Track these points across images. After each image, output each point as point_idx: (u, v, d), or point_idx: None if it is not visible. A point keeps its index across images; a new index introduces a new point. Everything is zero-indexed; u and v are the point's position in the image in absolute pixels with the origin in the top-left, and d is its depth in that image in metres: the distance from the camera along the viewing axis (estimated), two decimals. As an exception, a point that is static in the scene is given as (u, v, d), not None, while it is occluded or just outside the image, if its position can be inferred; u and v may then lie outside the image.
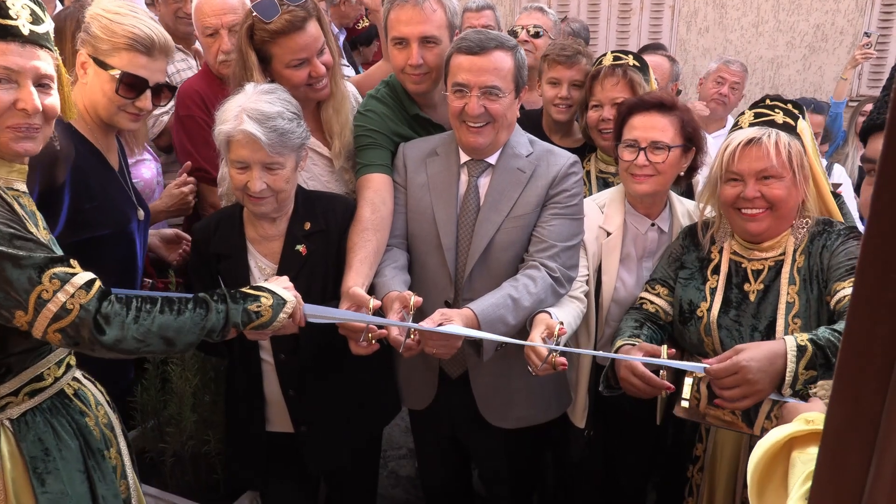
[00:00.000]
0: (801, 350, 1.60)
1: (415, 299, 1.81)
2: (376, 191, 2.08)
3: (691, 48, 6.25)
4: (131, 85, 1.90)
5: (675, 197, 2.26)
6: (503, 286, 1.93)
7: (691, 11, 6.21)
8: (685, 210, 2.23)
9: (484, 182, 2.05)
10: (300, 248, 1.97)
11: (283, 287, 1.72)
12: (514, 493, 2.39)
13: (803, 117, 1.92)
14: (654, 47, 4.25)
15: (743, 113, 1.97)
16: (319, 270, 1.99)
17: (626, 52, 2.59)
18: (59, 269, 1.39)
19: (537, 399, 2.17)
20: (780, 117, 1.87)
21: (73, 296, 1.38)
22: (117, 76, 1.87)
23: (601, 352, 1.98)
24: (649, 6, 6.27)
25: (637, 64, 2.52)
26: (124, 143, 2.45)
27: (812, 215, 1.90)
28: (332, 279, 2.00)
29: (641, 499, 2.51)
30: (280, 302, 1.67)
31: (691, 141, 2.12)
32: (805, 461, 0.99)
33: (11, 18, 1.40)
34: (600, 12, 6.20)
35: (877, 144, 1.37)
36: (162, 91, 2.00)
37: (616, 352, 1.92)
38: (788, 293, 1.83)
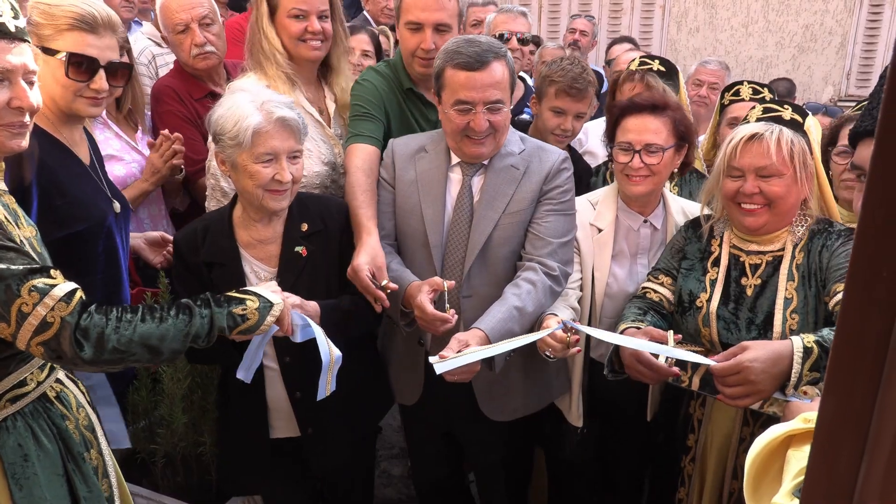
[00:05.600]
0: (807, 352, 1.61)
1: (448, 283, 1.85)
2: (364, 159, 2.16)
3: (682, 48, 6.28)
4: (80, 64, 1.85)
5: (668, 194, 2.27)
6: (507, 297, 1.93)
7: (681, 12, 6.25)
8: (679, 207, 2.25)
9: (478, 180, 2.06)
10: (300, 249, 1.95)
11: (271, 291, 1.70)
12: (509, 487, 2.40)
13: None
14: (623, 40, 4.32)
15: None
16: (322, 271, 1.98)
17: (653, 57, 2.58)
18: (38, 281, 1.36)
19: (533, 388, 2.19)
20: (787, 114, 1.87)
21: (52, 308, 1.36)
22: (64, 58, 1.83)
23: (614, 336, 1.91)
24: (640, 6, 6.31)
25: (662, 69, 2.50)
26: (136, 120, 2.45)
27: (813, 214, 1.90)
28: (335, 279, 1.99)
29: (637, 493, 2.52)
30: (267, 305, 1.65)
31: (684, 139, 2.14)
32: (800, 458, 1.00)
33: None
34: (591, 12, 6.22)
35: (864, 151, 1.37)
36: (117, 71, 1.95)
37: (621, 334, 1.92)
38: (787, 289, 1.85)
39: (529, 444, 2.52)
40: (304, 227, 1.97)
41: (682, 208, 2.24)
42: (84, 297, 1.42)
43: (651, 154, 2.07)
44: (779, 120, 1.85)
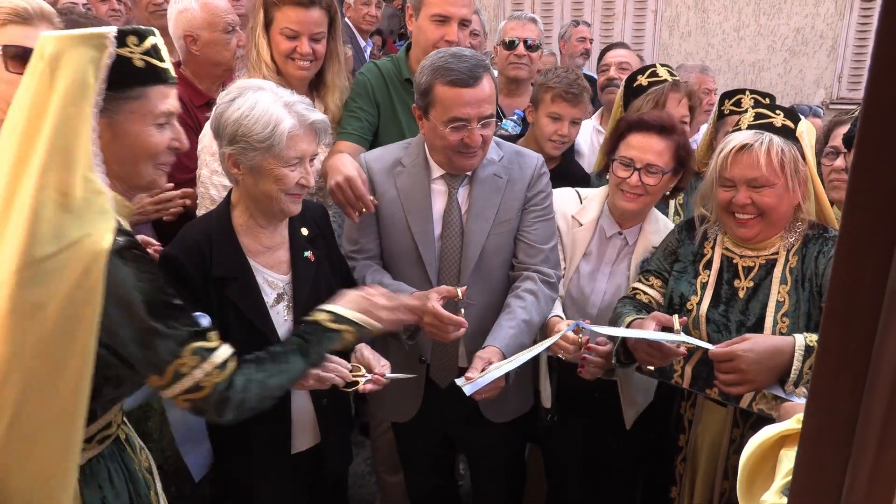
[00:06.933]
0: (808, 350, 1.64)
1: (461, 289, 1.87)
2: (347, 150, 2.27)
3: (674, 52, 6.30)
4: (18, 57, 1.80)
5: (654, 213, 2.24)
6: (514, 310, 1.94)
7: (673, 16, 6.27)
8: (658, 227, 2.22)
9: (463, 191, 2.04)
10: (308, 254, 1.91)
11: (366, 317, 1.72)
12: (508, 489, 2.41)
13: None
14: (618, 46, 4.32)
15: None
16: (328, 277, 1.95)
17: (664, 64, 2.65)
18: (199, 345, 1.40)
19: (524, 387, 2.22)
20: (779, 120, 1.84)
21: (208, 374, 1.41)
22: (0, 52, 1.79)
23: (623, 331, 1.89)
24: (632, 11, 6.33)
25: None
26: None
27: (807, 218, 1.89)
28: (339, 286, 1.96)
29: (631, 492, 2.52)
30: (364, 331, 1.71)
31: (682, 164, 2.12)
32: (791, 458, 1.01)
33: (164, 61, 1.43)
34: (583, 16, 6.24)
35: None
36: None
37: (628, 326, 1.92)
38: (779, 292, 1.85)
39: (523, 444, 2.53)
40: (305, 231, 1.93)
41: (660, 229, 2.21)
42: (234, 365, 1.47)
43: (650, 174, 2.06)
44: (770, 127, 1.83)
